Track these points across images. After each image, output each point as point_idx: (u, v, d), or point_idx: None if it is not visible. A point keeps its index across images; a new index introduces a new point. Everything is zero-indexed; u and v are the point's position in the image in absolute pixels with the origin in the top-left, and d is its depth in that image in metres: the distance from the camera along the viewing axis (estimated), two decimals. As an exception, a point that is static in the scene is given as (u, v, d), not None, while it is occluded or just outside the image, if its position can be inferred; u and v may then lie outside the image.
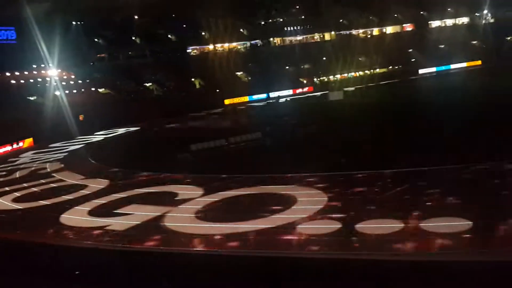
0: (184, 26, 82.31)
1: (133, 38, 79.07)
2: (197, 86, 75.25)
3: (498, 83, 52.45)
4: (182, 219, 17.95)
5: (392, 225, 14.55)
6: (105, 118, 54.77)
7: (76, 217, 20.02)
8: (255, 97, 72.46)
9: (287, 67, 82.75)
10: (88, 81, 67.20)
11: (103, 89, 67.26)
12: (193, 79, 75.42)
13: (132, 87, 69.38)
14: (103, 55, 75.67)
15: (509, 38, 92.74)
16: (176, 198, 21.02)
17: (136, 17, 79.75)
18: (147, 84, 72.49)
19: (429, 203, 16.10)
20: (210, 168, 26.56)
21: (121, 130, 53.53)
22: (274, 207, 17.99)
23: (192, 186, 23.02)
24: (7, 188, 27.73)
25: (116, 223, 18.37)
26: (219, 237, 15.64)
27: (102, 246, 16.32)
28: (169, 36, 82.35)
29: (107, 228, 18.02)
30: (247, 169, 24.81)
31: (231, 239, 15.32)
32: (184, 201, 20.44)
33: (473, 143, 23.63)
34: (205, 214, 18.20)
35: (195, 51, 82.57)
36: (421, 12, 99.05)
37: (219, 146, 33.00)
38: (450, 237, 13.22)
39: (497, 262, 11.46)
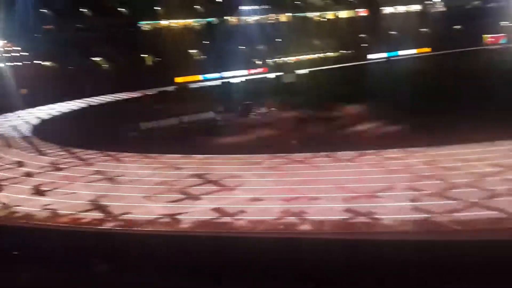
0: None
1: (82, 10, 75.66)
2: (149, 62, 73.38)
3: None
4: (128, 199, 17.57)
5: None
6: (50, 92, 52.36)
7: (16, 196, 19.18)
8: (209, 76, 71.56)
9: (242, 47, 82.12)
10: (33, 53, 64.03)
11: (49, 62, 64.29)
12: (144, 55, 73.39)
13: (79, 61, 66.64)
14: (50, 27, 72.04)
15: (458, 27, 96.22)
16: (123, 177, 20.52)
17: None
18: (96, 59, 69.89)
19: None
20: (158, 146, 26.03)
21: (66, 105, 51.50)
22: (223, 187, 17.98)
23: (140, 165, 22.54)
24: None
25: (58, 202, 17.75)
26: (165, 217, 15.46)
27: (43, 226, 15.74)
28: (120, 9, 79.40)
29: (49, 207, 17.39)
30: (198, 149, 24.55)
31: (178, 219, 15.20)
32: (131, 180, 19.99)
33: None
34: (152, 194, 17.90)
35: (147, 26, 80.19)
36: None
37: (169, 125, 32.40)
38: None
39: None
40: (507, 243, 11.87)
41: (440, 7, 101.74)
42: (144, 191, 18.26)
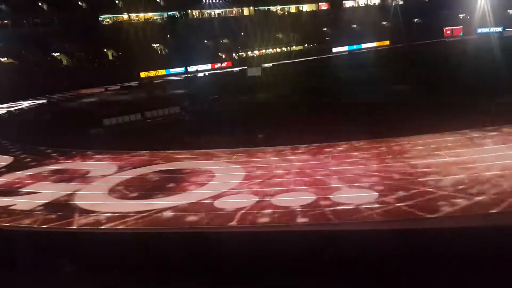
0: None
1: (40, 4, 73.10)
2: (110, 57, 71.78)
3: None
4: (93, 197, 17.26)
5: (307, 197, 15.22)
6: (9, 89, 50.43)
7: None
8: (173, 70, 70.71)
9: (206, 41, 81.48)
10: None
11: (5, 59, 61.93)
12: (105, 50, 71.73)
13: (38, 57, 64.51)
14: (5, 21, 69.20)
15: (416, 20, 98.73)
16: (87, 176, 20.11)
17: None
18: (55, 54, 67.77)
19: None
20: (124, 143, 25.64)
21: (26, 103, 49.80)
22: (191, 183, 17.92)
23: (105, 162, 22.14)
24: None
25: (22, 203, 17.23)
26: (133, 214, 15.28)
27: (6, 227, 15.26)
28: (79, 3, 77.20)
29: (12, 207, 16.86)
30: (164, 145, 24.34)
31: (146, 216, 15.06)
32: (96, 178, 19.62)
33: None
34: (119, 191, 17.64)
35: (108, 20, 78.37)
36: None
37: (135, 121, 31.89)
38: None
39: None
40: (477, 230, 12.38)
41: (398, 1, 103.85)
42: (111, 189, 17.97)
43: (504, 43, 65.89)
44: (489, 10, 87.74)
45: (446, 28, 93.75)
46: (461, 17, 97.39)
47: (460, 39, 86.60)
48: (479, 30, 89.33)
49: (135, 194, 17.23)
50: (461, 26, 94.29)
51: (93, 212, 15.79)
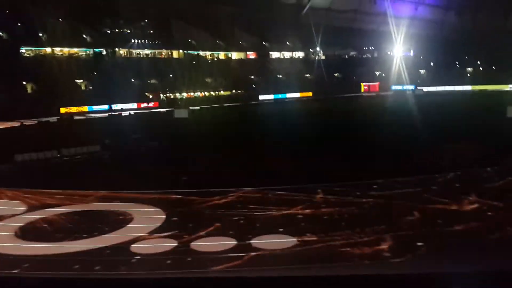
0: (18, 24, 74.50)
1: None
2: (29, 90, 68.51)
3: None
4: (-2, 239, 15.89)
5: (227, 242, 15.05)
6: None
7: None
8: (96, 107, 68.77)
9: (133, 80, 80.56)
10: None
11: None
12: (24, 83, 68.41)
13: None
14: None
15: (336, 74, 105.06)
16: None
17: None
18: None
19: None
20: (36, 181, 24.10)
21: None
22: (108, 226, 17.10)
23: (13, 201, 20.57)
24: None
25: None
26: (41, 258, 14.20)
27: None
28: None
29: None
30: (81, 184, 23.18)
31: (56, 260, 14.05)
32: (2, 218, 18.13)
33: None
34: (27, 233, 16.39)
35: (29, 52, 75.25)
36: (264, 43, 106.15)
37: (50, 158, 30.21)
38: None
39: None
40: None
41: (320, 55, 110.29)
42: (17, 230, 16.66)
43: (414, 100, 71.93)
44: (404, 69, 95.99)
45: (364, 83, 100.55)
46: (377, 74, 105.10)
47: (375, 94, 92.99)
48: (393, 87, 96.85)
49: (45, 236, 16.07)
50: (377, 83, 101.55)
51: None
